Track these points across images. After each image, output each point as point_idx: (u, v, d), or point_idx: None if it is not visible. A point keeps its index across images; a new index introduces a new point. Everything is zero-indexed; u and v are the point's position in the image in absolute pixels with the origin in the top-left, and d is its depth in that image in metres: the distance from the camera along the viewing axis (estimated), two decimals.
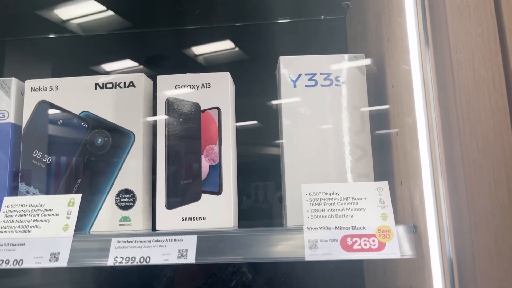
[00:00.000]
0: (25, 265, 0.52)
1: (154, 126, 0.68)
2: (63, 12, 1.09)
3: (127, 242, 0.52)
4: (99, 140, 0.66)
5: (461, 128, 0.37)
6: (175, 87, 0.63)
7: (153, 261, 0.51)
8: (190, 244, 0.51)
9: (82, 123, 0.66)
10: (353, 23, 0.94)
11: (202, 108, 0.63)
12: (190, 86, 0.63)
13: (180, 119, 0.63)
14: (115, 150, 0.65)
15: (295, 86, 0.62)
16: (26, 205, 0.56)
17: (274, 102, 0.80)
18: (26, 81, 0.68)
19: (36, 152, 0.66)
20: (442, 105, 0.41)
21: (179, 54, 1.07)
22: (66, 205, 0.56)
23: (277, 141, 0.82)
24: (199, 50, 1.08)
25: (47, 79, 0.68)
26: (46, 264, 0.51)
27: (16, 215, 0.55)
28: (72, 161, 0.65)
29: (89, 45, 1.10)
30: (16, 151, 0.67)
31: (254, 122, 0.94)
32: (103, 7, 1.08)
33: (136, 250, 0.52)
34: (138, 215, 0.63)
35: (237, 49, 1.08)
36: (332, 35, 1.04)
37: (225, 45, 1.08)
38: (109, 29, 1.10)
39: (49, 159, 0.66)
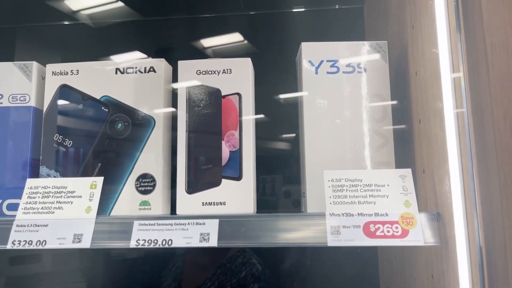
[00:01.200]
0: (48, 246, 0.52)
1: (173, 111, 0.68)
2: (73, 2, 1.10)
3: (149, 225, 0.53)
4: (119, 124, 0.66)
5: (495, 112, 0.36)
6: (196, 72, 0.63)
7: (175, 244, 0.51)
8: (212, 228, 0.51)
9: (103, 108, 0.66)
10: (372, 12, 0.93)
11: (222, 94, 0.62)
12: (211, 71, 0.63)
13: (201, 105, 0.63)
14: (135, 134, 0.65)
15: (316, 73, 0.62)
16: (49, 187, 0.57)
17: (293, 90, 0.79)
18: (47, 65, 0.69)
19: (57, 135, 0.66)
20: (474, 90, 0.41)
21: (190, 44, 1.07)
22: (89, 187, 0.56)
23: (286, 135, 0.82)
24: (213, 40, 1.08)
25: (68, 63, 0.68)
26: (69, 245, 0.52)
27: (39, 197, 0.56)
28: (93, 145, 0.65)
29: (98, 35, 1.11)
30: (36, 135, 0.68)
31: (261, 115, 0.94)
32: None
33: (158, 233, 0.52)
34: (157, 200, 0.63)
35: (250, 39, 1.07)
36: (348, 25, 1.03)
37: (236, 36, 1.08)
38: (118, 19, 1.10)
39: (70, 142, 0.66)
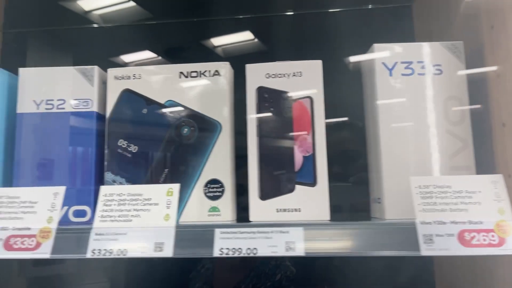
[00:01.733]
0: (129, 255, 0.51)
1: (237, 115, 0.67)
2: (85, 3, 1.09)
3: (231, 233, 0.51)
4: (185, 129, 0.65)
5: None
6: (265, 75, 0.62)
7: (260, 253, 0.50)
8: (297, 236, 0.50)
9: (168, 112, 0.65)
10: (424, 11, 0.91)
11: (293, 97, 0.61)
12: (281, 74, 0.62)
13: (271, 109, 0.61)
14: (201, 139, 0.64)
15: (391, 75, 0.60)
16: (124, 194, 0.56)
17: (346, 92, 0.77)
18: (109, 70, 0.68)
19: (121, 141, 0.66)
20: None
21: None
22: (165, 194, 0.55)
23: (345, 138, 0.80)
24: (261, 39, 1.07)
25: (130, 67, 0.67)
26: (151, 254, 0.51)
27: (115, 204, 0.55)
28: (159, 150, 0.64)
29: (109, 36, 1.11)
30: (99, 140, 0.67)
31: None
32: None
33: (241, 241, 0.51)
34: (227, 206, 0.62)
35: (294, 41, 1.05)
36: (394, 25, 1.01)
37: (274, 36, 1.06)
38: (130, 20, 1.10)
39: (135, 148, 0.65)
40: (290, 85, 0.61)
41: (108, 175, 0.65)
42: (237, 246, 0.51)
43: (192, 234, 0.52)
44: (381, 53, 0.61)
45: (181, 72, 0.66)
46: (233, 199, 0.63)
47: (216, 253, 0.50)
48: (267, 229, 0.51)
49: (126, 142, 0.65)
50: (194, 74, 0.66)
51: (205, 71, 0.66)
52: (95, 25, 1.09)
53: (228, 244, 0.51)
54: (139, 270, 1.01)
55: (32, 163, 0.66)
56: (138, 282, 1.01)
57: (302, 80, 0.61)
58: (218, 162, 0.63)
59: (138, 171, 0.64)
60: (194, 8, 1.08)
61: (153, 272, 0.98)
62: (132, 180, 0.64)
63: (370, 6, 1.02)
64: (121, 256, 0.51)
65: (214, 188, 0.62)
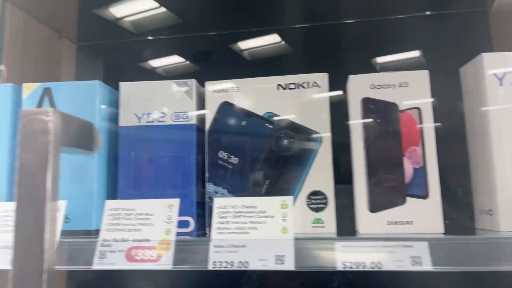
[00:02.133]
0: (250, 267, 0.52)
1: (335, 126, 0.67)
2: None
3: (353, 246, 0.51)
4: (285, 141, 0.65)
5: None
6: (370, 86, 0.62)
7: (385, 267, 0.50)
8: (422, 251, 0.50)
9: (267, 124, 0.66)
10: (505, 16, 0.88)
11: (400, 108, 0.61)
12: (387, 85, 0.61)
13: (378, 120, 0.61)
14: (302, 151, 0.64)
15: (501, 85, 0.59)
16: (239, 206, 0.56)
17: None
18: (206, 83, 0.69)
19: (221, 152, 0.67)
20: None
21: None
22: (280, 207, 0.56)
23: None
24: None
25: (228, 80, 0.68)
26: (272, 266, 0.51)
27: (230, 216, 0.56)
28: (259, 162, 0.65)
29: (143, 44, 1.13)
30: (199, 152, 0.68)
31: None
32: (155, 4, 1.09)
33: (364, 255, 0.50)
34: (330, 217, 0.62)
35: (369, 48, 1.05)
36: (469, 30, 0.99)
37: (351, 43, 1.06)
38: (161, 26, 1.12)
39: (235, 159, 0.66)
40: (396, 95, 0.61)
41: (209, 186, 0.66)
42: (360, 260, 0.50)
43: (311, 247, 0.52)
44: (490, 63, 0.59)
45: (279, 84, 0.67)
46: (334, 210, 0.63)
47: (340, 266, 0.50)
48: (390, 243, 0.51)
49: (226, 153, 0.66)
50: (292, 86, 0.66)
51: (304, 82, 0.66)
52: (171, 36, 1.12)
53: (351, 257, 0.51)
54: (188, 274, 0.99)
55: (135, 175, 0.68)
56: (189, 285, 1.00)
57: (408, 91, 0.61)
58: (319, 174, 0.63)
59: (240, 182, 0.65)
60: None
61: (203, 276, 0.97)
62: (234, 191, 0.65)
63: (444, 11, 1.00)
64: (242, 268, 0.52)
65: (317, 200, 0.62)
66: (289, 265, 0.51)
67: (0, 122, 0.69)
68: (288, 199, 0.56)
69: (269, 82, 0.67)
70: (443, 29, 1.00)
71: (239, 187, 0.65)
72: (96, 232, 0.59)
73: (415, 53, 1.00)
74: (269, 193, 0.64)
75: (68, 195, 0.62)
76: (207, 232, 0.65)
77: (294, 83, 0.66)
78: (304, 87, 0.66)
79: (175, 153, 0.68)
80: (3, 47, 0.86)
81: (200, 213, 0.67)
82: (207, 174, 0.66)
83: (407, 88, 0.61)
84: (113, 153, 0.70)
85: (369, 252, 0.51)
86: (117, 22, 1.13)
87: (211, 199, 0.65)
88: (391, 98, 0.61)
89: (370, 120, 0.61)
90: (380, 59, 1.02)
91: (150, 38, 1.14)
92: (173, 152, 0.68)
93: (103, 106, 0.68)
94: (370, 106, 0.61)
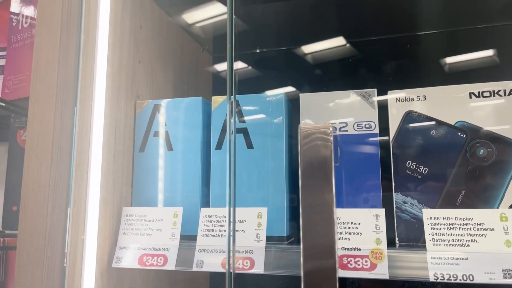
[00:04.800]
0: (476, 280, 0.51)
1: None
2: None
3: None
4: (481, 150, 0.63)
5: None
6: None
7: None
8: None
9: (459, 133, 0.65)
10: None
11: None
12: None
13: None
14: (501, 161, 0.62)
15: None
16: (452, 218, 0.56)
17: None
18: (389, 92, 0.69)
19: (409, 162, 0.66)
20: None
21: None
22: (499, 219, 0.54)
23: None
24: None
25: (412, 89, 0.68)
26: (500, 280, 0.50)
27: (443, 228, 0.55)
28: (452, 172, 0.64)
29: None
30: (382, 161, 0.68)
31: None
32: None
33: None
34: None
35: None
36: None
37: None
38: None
39: (425, 169, 0.65)
40: None
41: (397, 196, 0.66)
42: None
43: None
44: None
45: (472, 93, 0.65)
46: None
47: None
48: None
49: (415, 163, 0.66)
50: (486, 94, 0.64)
51: (499, 90, 0.64)
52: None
53: None
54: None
55: None
56: None
57: None
58: None
59: (431, 192, 0.64)
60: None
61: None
62: (425, 202, 0.64)
63: None
64: (467, 281, 0.51)
65: None
66: None
67: (193, 132, 0.74)
68: (509, 211, 0.54)
69: (461, 91, 0.66)
70: None
71: (431, 197, 0.64)
72: (288, 238, 0.62)
73: None
74: (464, 204, 0.62)
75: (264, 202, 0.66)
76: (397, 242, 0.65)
77: (488, 91, 0.64)
78: (500, 95, 0.64)
79: (359, 162, 0.69)
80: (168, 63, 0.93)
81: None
82: (393, 184, 0.66)
83: None
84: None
85: None
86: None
87: (399, 208, 0.65)
88: None
89: None
90: None
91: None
92: (356, 161, 0.69)
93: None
94: None
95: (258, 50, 1.17)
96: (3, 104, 0.76)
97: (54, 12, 0.63)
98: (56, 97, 0.64)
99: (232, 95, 0.70)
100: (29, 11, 0.76)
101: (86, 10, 0.66)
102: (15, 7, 0.77)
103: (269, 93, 0.72)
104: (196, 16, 1.06)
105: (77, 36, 0.64)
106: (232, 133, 0.69)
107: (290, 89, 1.07)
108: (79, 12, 0.64)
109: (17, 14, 0.76)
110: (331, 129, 0.43)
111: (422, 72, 1.03)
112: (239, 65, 1.16)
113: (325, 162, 0.41)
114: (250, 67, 1.17)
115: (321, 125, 0.43)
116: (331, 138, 0.42)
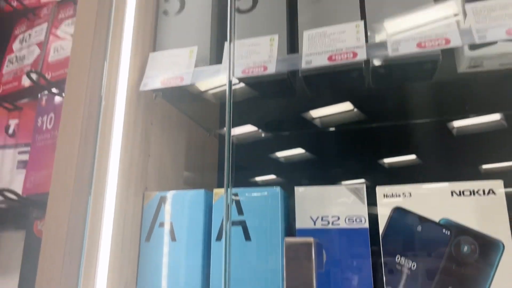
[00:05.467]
0: None
1: None
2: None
3: None
4: (465, 247, 0.67)
5: None
6: None
7: None
8: None
9: (444, 230, 0.69)
10: None
11: None
12: None
13: None
14: (484, 258, 0.65)
15: None
16: None
17: None
18: (377, 187, 0.74)
19: (398, 257, 0.70)
20: None
21: None
22: None
23: None
24: None
25: (398, 185, 0.73)
26: None
27: None
28: (439, 268, 0.67)
29: None
30: (372, 256, 0.72)
31: None
32: None
33: None
34: None
35: None
36: None
37: None
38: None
39: (413, 264, 0.69)
40: None
41: None
42: None
43: None
44: None
45: (453, 191, 0.70)
46: None
47: None
48: None
49: (403, 258, 0.69)
50: (466, 193, 0.69)
51: (478, 190, 0.69)
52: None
53: None
54: None
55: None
56: None
57: None
58: (504, 283, 0.63)
59: (420, 287, 0.67)
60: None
61: None
62: None
63: None
64: None
65: None
66: None
67: (195, 223, 0.79)
68: None
69: (443, 188, 0.70)
70: None
71: None
72: None
73: None
74: None
75: None
76: None
77: (468, 190, 0.69)
78: (479, 194, 0.68)
79: (350, 257, 0.72)
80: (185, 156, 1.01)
81: None
82: (384, 278, 0.70)
83: None
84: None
85: None
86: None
87: None
88: None
89: None
90: None
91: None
92: (348, 256, 0.72)
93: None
94: None
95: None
96: (17, 198, 0.84)
97: (75, 120, 0.72)
98: (72, 195, 0.71)
99: (228, 187, 0.77)
100: (53, 114, 0.86)
101: (103, 115, 0.75)
102: (40, 110, 0.87)
103: (265, 187, 0.78)
104: (203, 109, 1.16)
105: (94, 141, 0.72)
106: (228, 225, 0.75)
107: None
108: (97, 120, 0.73)
109: (42, 116, 0.86)
110: (313, 243, 0.48)
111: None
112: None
113: (308, 275, 0.45)
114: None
115: (304, 239, 0.48)
116: (313, 252, 0.47)
